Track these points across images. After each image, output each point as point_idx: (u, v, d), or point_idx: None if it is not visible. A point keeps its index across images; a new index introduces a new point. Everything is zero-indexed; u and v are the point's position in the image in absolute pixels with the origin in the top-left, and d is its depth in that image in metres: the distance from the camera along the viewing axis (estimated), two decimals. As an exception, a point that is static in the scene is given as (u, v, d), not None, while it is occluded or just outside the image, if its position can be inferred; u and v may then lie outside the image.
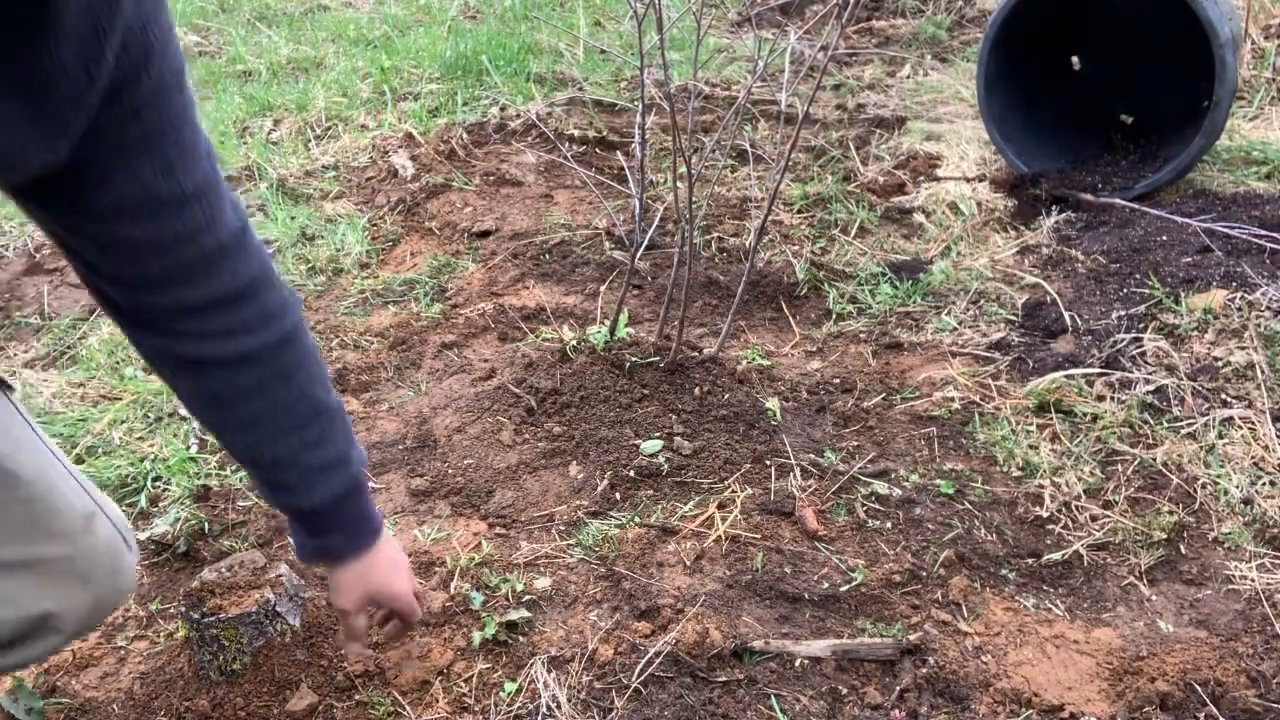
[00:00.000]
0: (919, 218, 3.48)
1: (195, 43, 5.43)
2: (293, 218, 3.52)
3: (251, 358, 1.18)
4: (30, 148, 0.93)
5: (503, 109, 4.28)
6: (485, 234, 3.43)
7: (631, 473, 2.22)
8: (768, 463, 2.28)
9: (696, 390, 2.45)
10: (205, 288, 1.12)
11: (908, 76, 4.64)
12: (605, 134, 4.06)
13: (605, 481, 2.21)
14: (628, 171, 3.22)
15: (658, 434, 2.32)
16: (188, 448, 2.41)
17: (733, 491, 2.18)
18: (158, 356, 1.19)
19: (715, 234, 3.37)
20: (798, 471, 2.27)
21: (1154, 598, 1.97)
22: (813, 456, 2.32)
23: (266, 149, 4.04)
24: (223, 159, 3.95)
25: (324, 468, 1.30)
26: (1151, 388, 2.46)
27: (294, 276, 3.24)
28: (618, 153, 3.90)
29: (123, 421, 2.51)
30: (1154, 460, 2.27)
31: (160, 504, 2.24)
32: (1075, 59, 3.93)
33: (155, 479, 2.30)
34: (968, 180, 3.66)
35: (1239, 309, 2.60)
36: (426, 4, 5.79)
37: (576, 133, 4.04)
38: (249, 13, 5.82)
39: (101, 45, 0.90)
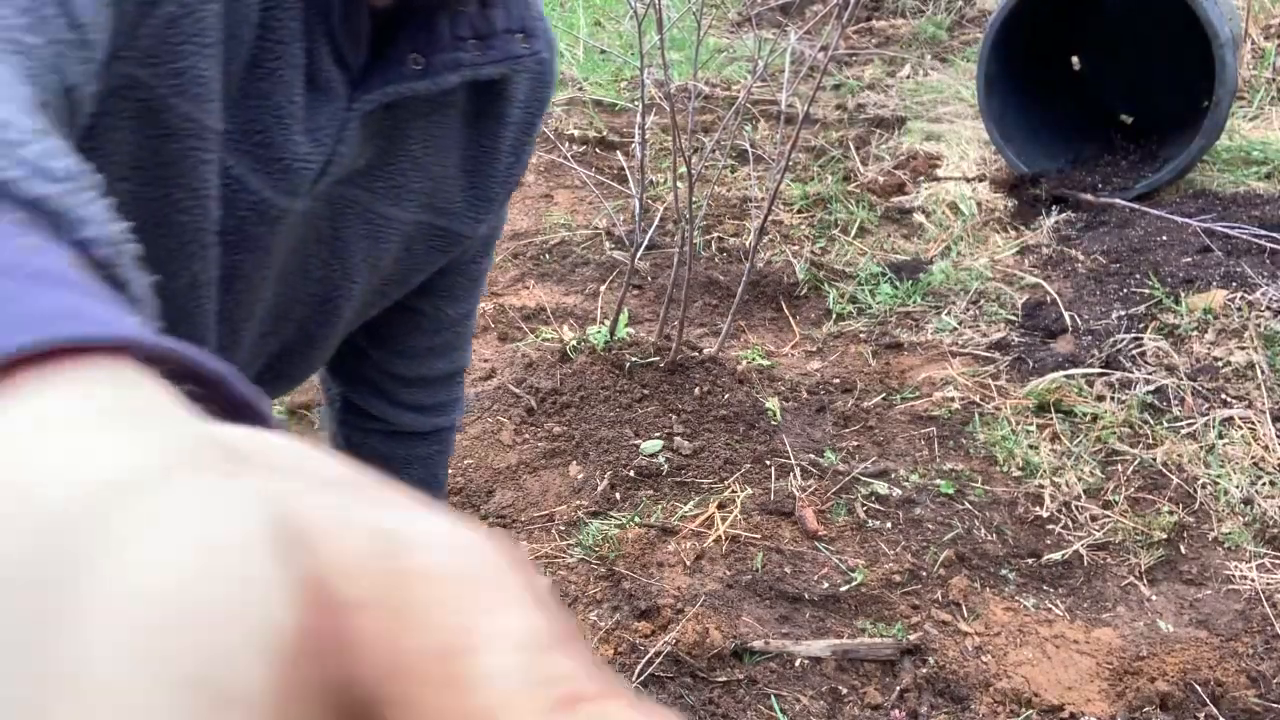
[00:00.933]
0: (919, 218, 3.48)
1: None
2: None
3: (438, 434, 1.25)
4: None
5: (503, 109, 4.28)
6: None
7: (631, 473, 2.23)
8: (768, 463, 2.28)
9: (696, 390, 2.45)
10: (447, 362, 1.20)
11: (908, 76, 4.64)
12: (605, 134, 4.06)
13: (605, 481, 2.21)
14: (628, 171, 3.22)
15: (658, 434, 2.32)
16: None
17: (733, 491, 2.18)
18: (364, 417, 1.22)
19: (715, 234, 3.37)
20: (798, 471, 2.27)
21: (1154, 598, 1.97)
22: (813, 456, 2.32)
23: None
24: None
25: None
26: (1151, 388, 2.46)
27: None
28: (618, 153, 3.91)
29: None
30: (1154, 460, 2.27)
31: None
32: (1075, 59, 3.93)
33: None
34: (968, 180, 3.66)
35: (1239, 309, 2.60)
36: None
37: (576, 132, 4.04)
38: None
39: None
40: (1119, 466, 2.28)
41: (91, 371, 0.25)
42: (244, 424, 0.27)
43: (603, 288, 3.09)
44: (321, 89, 0.81)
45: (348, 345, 1.15)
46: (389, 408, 1.20)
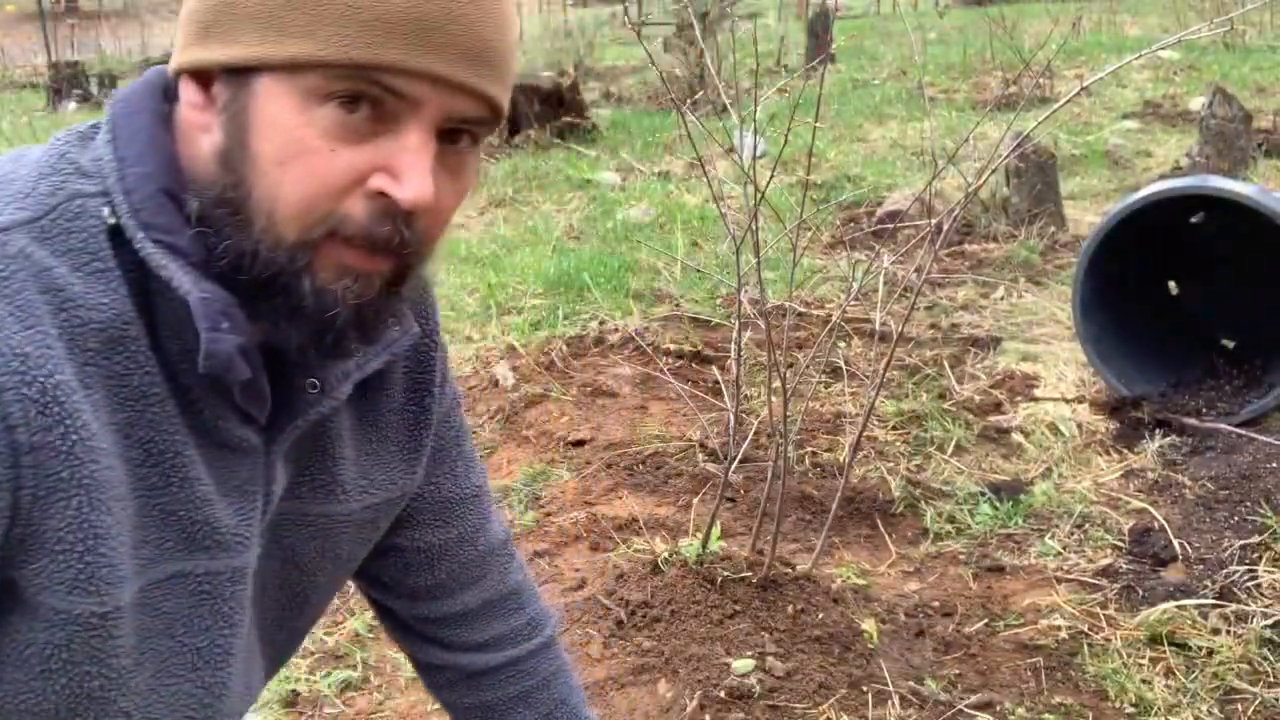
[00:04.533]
0: (1017, 437, 3.44)
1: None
2: (396, 424, 3.63)
3: (521, 664, 1.19)
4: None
5: (601, 323, 4.42)
6: (580, 443, 3.49)
7: (722, 693, 2.16)
8: (864, 689, 2.20)
9: (790, 608, 2.40)
10: (478, 591, 1.16)
11: (1001, 298, 4.69)
12: (700, 348, 4.15)
13: (695, 701, 2.15)
14: (722, 385, 3.28)
15: (749, 653, 2.26)
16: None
17: (827, 719, 2.10)
18: (434, 670, 1.19)
19: (809, 449, 3.37)
20: (896, 700, 2.18)
21: None
22: (912, 684, 2.23)
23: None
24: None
25: None
26: (1270, 621, 2.33)
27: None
28: (712, 367, 3.98)
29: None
30: (1276, 700, 2.13)
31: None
32: (1172, 284, 3.94)
33: (246, 680, 2.31)
34: (1066, 401, 3.62)
35: (1363, 541, 2.48)
36: (533, 225, 6.11)
37: (673, 347, 4.15)
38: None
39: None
40: (1239, 706, 2.14)
41: None
42: None
43: (695, 500, 3.09)
44: (235, 449, 0.86)
45: (374, 606, 1.17)
46: (445, 653, 1.17)
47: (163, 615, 0.84)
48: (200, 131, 0.80)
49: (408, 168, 0.77)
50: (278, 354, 0.85)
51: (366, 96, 0.76)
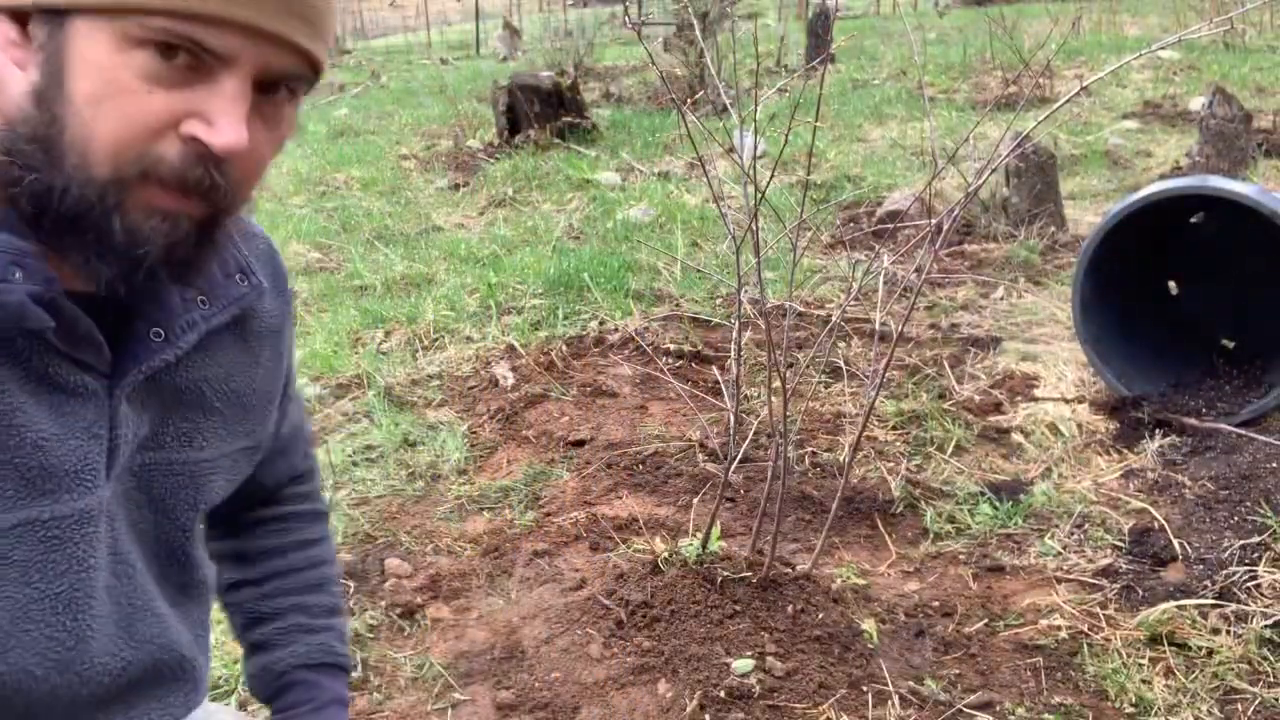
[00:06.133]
0: (1017, 438, 3.44)
1: (317, 259, 5.78)
2: (396, 424, 3.64)
3: (307, 544, 1.29)
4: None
5: (601, 323, 4.42)
6: (580, 443, 3.49)
7: (722, 693, 2.16)
8: (864, 689, 2.20)
9: (789, 608, 2.40)
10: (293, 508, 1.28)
11: (1001, 298, 4.69)
12: (700, 348, 4.16)
13: (694, 701, 2.15)
14: (722, 385, 3.28)
15: (749, 652, 2.26)
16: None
17: (827, 719, 2.10)
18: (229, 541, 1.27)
19: (809, 449, 3.37)
20: (896, 700, 2.18)
21: None
22: (912, 684, 2.23)
23: (377, 359, 4.22)
24: (335, 367, 4.13)
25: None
26: (1269, 621, 2.33)
27: (394, 481, 3.32)
28: (712, 367, 3.98)
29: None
30: (1275, 700, 2.13)
31: (248, 707, 2.24)
32: (1172, 284, 3.94)
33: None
34: (1066, 401, 3.62)
35: (1363, 541, 2.48)
36: (533, 226, 6.11)
37: (673, 347, 4.15)
38: (368, 232, 6.20)
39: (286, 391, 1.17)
40: (1239, 706, 2.14)
41: None
42: None
43: (695, 500, 3.09)
44: (73, 393, 0.88)
45: None
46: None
47: (15, 564, 0.86)
48: (15, 69, 0.82)
49: (221, 114, 0.80)
50: (118, 302, 0.88)
51: (182, 46, 0.78)
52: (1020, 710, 2.16)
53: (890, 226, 5.01)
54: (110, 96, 0.78)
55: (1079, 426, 3.45)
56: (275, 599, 1.23)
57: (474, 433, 3.61)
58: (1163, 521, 2.80)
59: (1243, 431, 3.18)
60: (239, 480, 1.09)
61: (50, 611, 0.89)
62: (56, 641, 0.90)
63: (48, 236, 0.82)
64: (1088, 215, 5.79)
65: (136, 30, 0.78)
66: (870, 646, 2.33)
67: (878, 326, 3.00)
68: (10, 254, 0.80)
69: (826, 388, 3.81)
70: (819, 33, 10.62)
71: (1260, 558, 2.53)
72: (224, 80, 0.80)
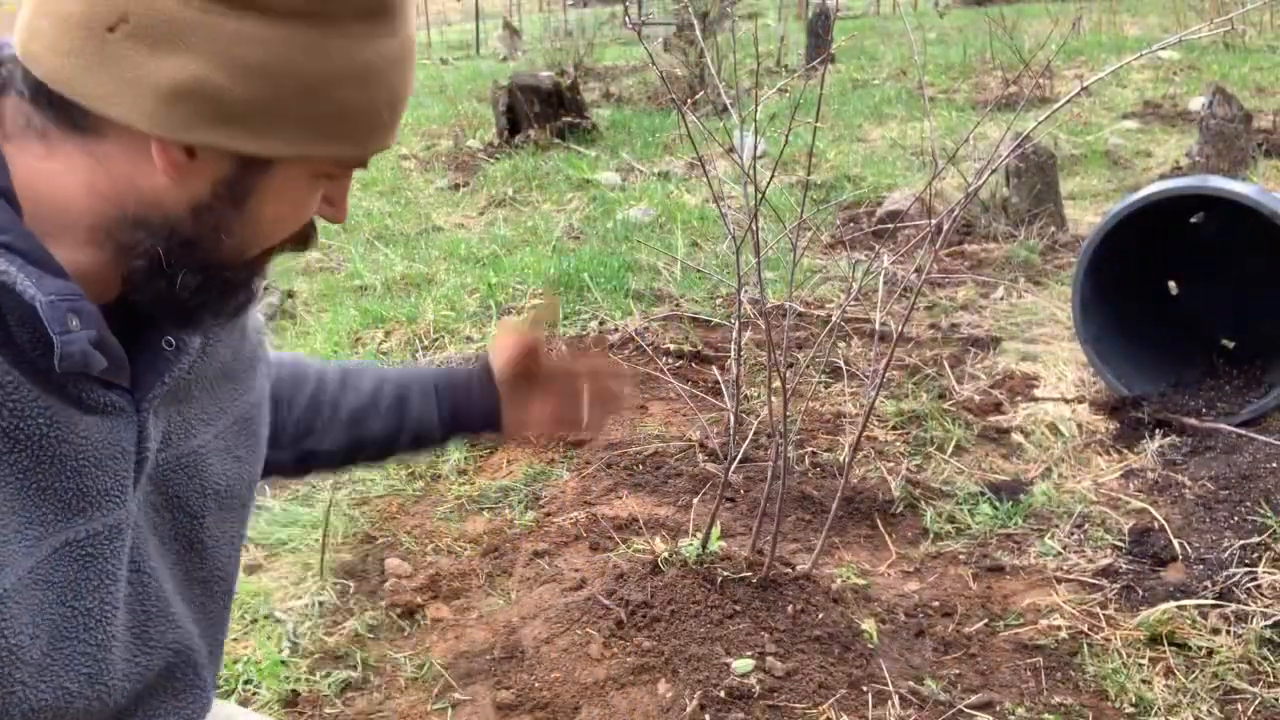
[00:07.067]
0: (1018, 438, 3.44)
1: (317, 259, 5.78)
2: (396, 424, 3.63)
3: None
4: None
5: (601, 323, 4.42)
6: (580, 443, 3.49)
7: (722, 693, 2.16)
8: (864, 689, 2.20)
9: (789, 608, 2.40)
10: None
11: (1001, 298, 4.69)
12: (700, 348, 4.15)
13: (695, 701, 2.15)
14: (722, 385, 3.28)
15: (749, 652, 2.26)
16: (280, 651, 2.43)
17: (827, 719, 2.10)
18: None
19: (809, 449, 3.37)
20: (896, 700, 2.18)
21: None
22: (912, 684, 2.23)
23: (376, 359, 4.22)
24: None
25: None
26: (1270, 621, 2.33)
27: (394, 481, 3.32)
28: (712, 367, 3.98)
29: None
30: (1276, 700, 2.13)
31: (249, 706, 2.24)
32: (1172, 284, 3.94)
33: (246, 682, 2.31)
34: (1066, 401, 3.62)
35: (1363, 541, 2.48)
36: (533, 226, 6.11)
37: (672, 347, 4.14)
38: (369, 232, 6.20)
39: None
40: (1239, 706, 2.14)
41: None
42: None
43: (695, 500, 3.09)
44: (105, 412, 0.90)
45: None
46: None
47: (55, 586, 0.87)
48: (165, 177, 0.85)
49: (343, 199, 0.98)
50: (132, 315, 0.91)
51: None
52: (1020, 710, 2.16)
53: (890, 226, 5.01)
54: (296, 216, 0.93)
55: (1079, 426, 3.45)
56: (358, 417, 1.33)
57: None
58: (1163, 521, 2.80)
59: (1243, 431, 3.18)
60: (248, 456, 1.10)
61: (82, 628, 0.90)
62: (88, 656, 0.90)
63: (151, 303, 0.90)
64: (1088, 215, 5.79)
65: (328, 166, 0.91)
66: (870, 646, 2.33)
67: (878, 326, 3.00)
68: (67, 303, 0.81)
69: (826, 388, 3.81)
70: (819, 33, 10.63)
71: (1260, 558, 2.53)
72: (349, 174, 0.96)
